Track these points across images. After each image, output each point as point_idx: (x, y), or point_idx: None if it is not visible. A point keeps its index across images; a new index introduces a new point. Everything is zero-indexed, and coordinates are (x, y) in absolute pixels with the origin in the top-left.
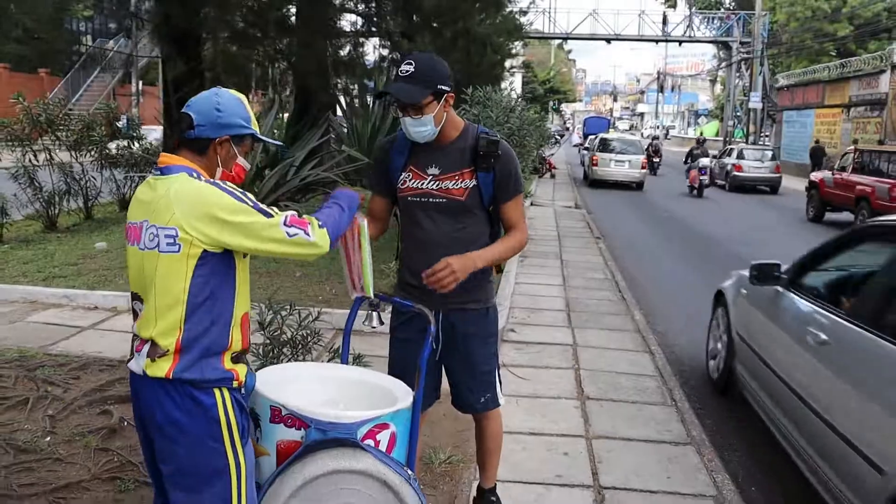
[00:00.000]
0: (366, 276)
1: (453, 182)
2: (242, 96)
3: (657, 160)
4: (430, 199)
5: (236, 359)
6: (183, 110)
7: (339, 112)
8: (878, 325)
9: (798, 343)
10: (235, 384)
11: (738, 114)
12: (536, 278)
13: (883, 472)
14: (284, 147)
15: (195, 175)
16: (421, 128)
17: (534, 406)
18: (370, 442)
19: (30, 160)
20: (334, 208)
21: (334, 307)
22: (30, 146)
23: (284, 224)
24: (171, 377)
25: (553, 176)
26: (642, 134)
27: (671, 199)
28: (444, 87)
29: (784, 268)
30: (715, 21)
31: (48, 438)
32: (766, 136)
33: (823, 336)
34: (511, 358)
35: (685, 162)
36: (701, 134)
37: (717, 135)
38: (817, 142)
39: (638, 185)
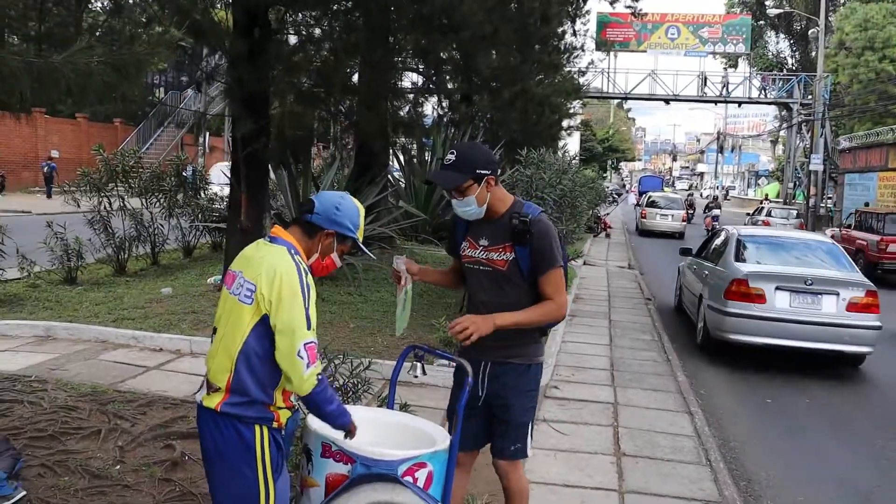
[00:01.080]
0: (397, 316)
1: (497, 254)
2: (362, 209)
3: (692, 212)
4: (480, 267)
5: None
6: (311, 197)
7: (396, 167)
8: (707, 259)
9: (693, 273)
10: (275, 425)
11: (799, 175)
12: (583, 337)
13: (700, 296)
14: (376, 259)
15: (292, 252)
16: (465, 207)
17: (571, 460)
18: (409, 479)
19: (105, 207)
20: (334, 402)
21: (385, 358)
22: (106, 195)
23: (305, 343)
24: (219, 410)
25: (608, 235)
26: (702, 194)
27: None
28: (483, 172)
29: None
30: (777, 82)
31: (118, 467)
32: (830, 198)
33: (696, 268)
34: (553, 413)
35: (704, 212)
36: (766, 196)
37: (777, 196)
38: (866, 204)
39: (679, 235)
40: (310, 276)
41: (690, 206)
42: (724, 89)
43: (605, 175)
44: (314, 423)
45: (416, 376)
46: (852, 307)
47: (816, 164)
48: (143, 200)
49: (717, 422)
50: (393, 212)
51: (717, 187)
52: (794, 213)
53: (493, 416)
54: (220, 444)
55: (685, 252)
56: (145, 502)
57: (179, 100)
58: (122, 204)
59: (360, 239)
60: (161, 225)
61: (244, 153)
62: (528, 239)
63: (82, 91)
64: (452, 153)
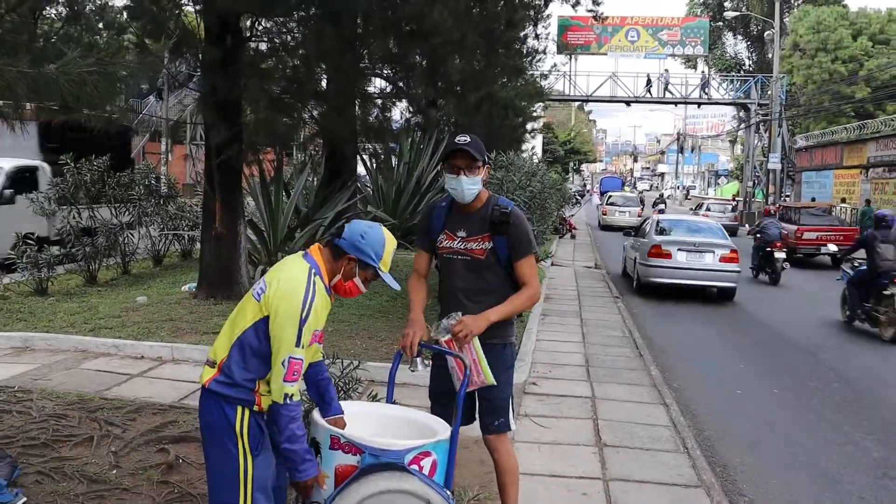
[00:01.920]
0: (484, 370)
1: (476, 243)
2: (391, 240)
3: (642, 207)
4: (458, 257)
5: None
6: (343, 223)
7: (363, 172)
8: (639, 236)
9: (631, 246)
10: (256, 408)
11: (758, 174)
12: (556, 335)
13: (635, 259)
14: (399, 290)
15: (314, 271)
16: (473, 186)
17: (554, 452)
18: (415, 467)
19: (74, 216)
20: (301, 444)
21: (365, 360)
22: (75, 205)
23: (291, 358)
24: (207, 387)
25: (573, 236)
26: (661, 194)
27: None
28: (486, 159)
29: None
30: (735, 83)
31: (114, 472)
32: (788, 196)
33: (633, 243)
34: (533, 409)
35: (652, 208)
36: (721, 194)
37: (737, 195)
38: (813, 199)
39: (636, 231)
40: (320, 298)
41: (641, 202)
42: (702, 90)
43: (567, 177)
44: (318, 418)
45: (412, 371)
46: (723, 259)
47: (774, 162)
48: (112, 209)
49: (691, 413)
50: (362, 217)
51: (678, 187)
52: (730, 207)
53: (476, 394)
54: (209, 419)
55: (627, 234)
56: None
57: (141, 107)
58: (91, 213)
59: (385, 269)
60: (130, 234)
61: (218, 160)
62: (506, 229)
63: (77, 100)
64: (466, 137)
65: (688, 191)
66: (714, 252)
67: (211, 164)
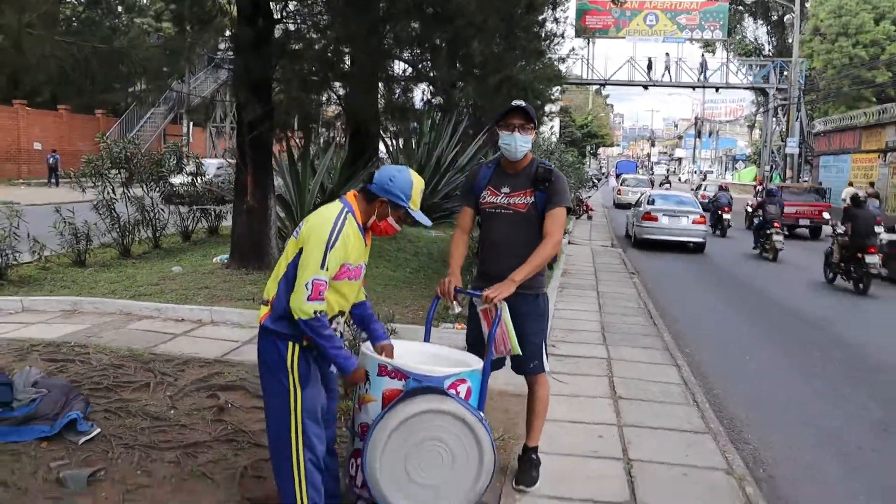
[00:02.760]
0: (512, 340)
1: (519, 198)
2: (418, 181)
3: (651, 187)
4: (501, 211)
5: None
6: (374, 170)
7: (384, 152)
8: (637, 206)
9: (632, 214)
10: (305, 343)
11: (776, 158)
12: (574, 305)
13: (633, 222)
14: (430, 226)
15: (346, 209)
16: (525, 144)
17: (573, 403)
18: (453, 391)
19: (108, 193)
20: (333, 342)
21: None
22: (110, 181)
23: (315, 279)
24: (262, 324)
25: (590, 218)
26: (679, 179)
27: None
28: (536, 123)
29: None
30: (754, 67)
31: (171, 412)
32: (806, 181)
33: (633, 211)
34: (552, 367)
35: (659, 187)
36: (739, 178)
37: (754, 179)
38: (821, 184)
39: (636, 203)
40: (350, 229)
41: (651, 183)
42: (702, 74)
43: (584, 160)
44: (367, 350)
45: (451, 312)
46: (694, 222)
47: (792, 147)
48: (144, 186)
49: (702, 374)
50: None
51: (695, 172)
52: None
53: None
54: (265, 354)
55: (629, 207)
56: (203, 438)
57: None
58: (124, 190)
59: (415, 208)
60: (161, 209)
61: (250, 136)
62: (547, 186)
63: (144, 70)
64: (521, 102)
65: (705, 175)
66: (688, 217)
67: (243, 141)
